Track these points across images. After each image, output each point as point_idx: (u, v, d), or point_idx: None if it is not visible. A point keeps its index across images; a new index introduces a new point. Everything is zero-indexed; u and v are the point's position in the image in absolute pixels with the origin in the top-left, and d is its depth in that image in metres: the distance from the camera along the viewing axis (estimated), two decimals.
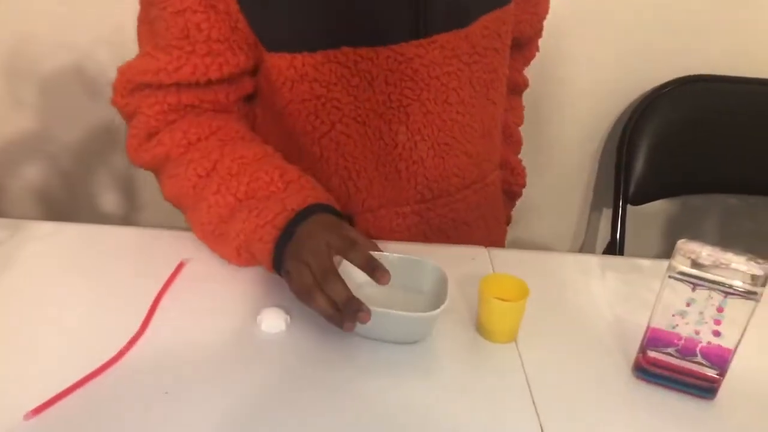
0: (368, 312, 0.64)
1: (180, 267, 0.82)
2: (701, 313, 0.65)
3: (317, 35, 0.81)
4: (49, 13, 1.36)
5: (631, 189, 1.41)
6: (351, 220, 0.91)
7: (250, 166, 0.80)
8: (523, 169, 1.13)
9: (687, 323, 0.66)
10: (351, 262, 0.68)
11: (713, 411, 0.67)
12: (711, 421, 0.66)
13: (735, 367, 0.66)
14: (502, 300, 0.72)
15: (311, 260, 0.68)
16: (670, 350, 0.68)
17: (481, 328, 0.75)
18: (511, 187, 1.12)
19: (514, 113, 1.13)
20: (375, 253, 0.72)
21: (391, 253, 0.77)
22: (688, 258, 0.64)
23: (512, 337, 0.75)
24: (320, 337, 0.73)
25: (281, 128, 0.88)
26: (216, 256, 0.83)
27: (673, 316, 0.66)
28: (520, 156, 1.15)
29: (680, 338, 0.67)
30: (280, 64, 0.82)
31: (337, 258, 0.71)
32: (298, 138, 0.88)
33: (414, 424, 0.63)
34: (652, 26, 1.39)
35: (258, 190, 0.79)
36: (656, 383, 0.69)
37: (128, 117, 0.86)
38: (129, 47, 0.86)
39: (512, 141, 1.13)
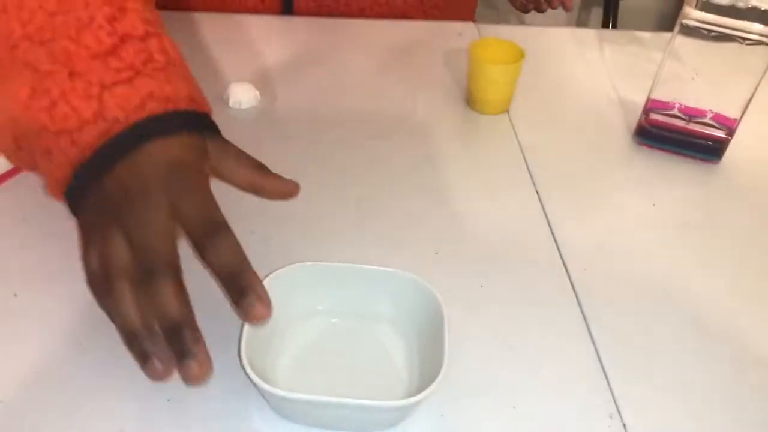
0: (205, 366, 0.35)
1: None
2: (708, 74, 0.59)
3: None
4: None
5: None
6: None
7: None
8: None
9: (693, 79, 0.60)
10: (206, 263, 0.37)
11: (718, 174, 0.63)
12: (715, 184, 0.62)
13: (742, 128, 0.61)
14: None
15: (138, 237, 0.37)
16: (674, 111, 0.63)
17: (471, 99, 0.69)
18: None
19: None
20: (310, 264, 0.44)
21: (344, 264, 0.44)
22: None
23: (505, 107, 0.69)
24: (294, 112, 0.66)
25: None
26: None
27: (678, 83, 0.60)
28: None
29: (685, 102, 0.62)
30: None
31: None
32: None
33: (402, 184, 0.59)
34: None
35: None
36: (659, 148, 0.65)
37: None
38: None
39: None
